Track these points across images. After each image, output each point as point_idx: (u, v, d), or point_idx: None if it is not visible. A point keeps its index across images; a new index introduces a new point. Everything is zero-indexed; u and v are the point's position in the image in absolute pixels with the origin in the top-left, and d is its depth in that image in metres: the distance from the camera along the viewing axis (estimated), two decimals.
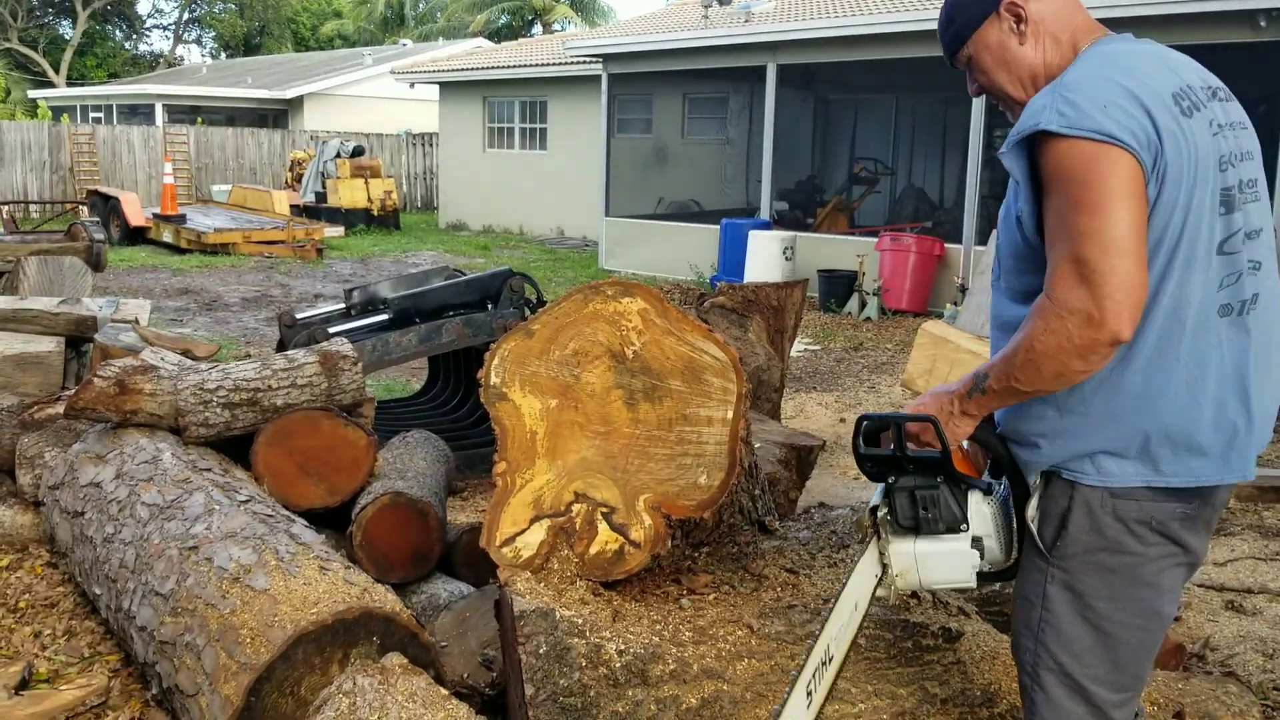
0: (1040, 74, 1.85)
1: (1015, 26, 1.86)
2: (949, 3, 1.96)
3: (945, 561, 1.91)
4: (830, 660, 1.94)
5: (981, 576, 1.93)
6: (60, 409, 3.93)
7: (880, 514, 1.95)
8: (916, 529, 1.90)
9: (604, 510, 2.32)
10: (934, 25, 2.03)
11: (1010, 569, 1.94)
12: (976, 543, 1.90)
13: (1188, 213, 1.68)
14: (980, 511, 1.91)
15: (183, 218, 16.33)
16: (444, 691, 2.16)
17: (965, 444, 1.92)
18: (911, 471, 1.91)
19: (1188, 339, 1.72)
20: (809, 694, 1.89)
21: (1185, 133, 1.67)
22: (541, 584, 2.22)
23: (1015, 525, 1.90)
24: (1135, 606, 1.80)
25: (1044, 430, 1.80)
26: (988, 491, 1.91)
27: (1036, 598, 1.85)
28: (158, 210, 16.79)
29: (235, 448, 3.53)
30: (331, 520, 3.43)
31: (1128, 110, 1.65)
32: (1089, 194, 1.62)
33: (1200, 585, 4.03)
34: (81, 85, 36.66)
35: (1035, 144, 1.70)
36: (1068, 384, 1.71)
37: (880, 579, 1.97)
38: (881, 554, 1.96)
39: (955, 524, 1.89)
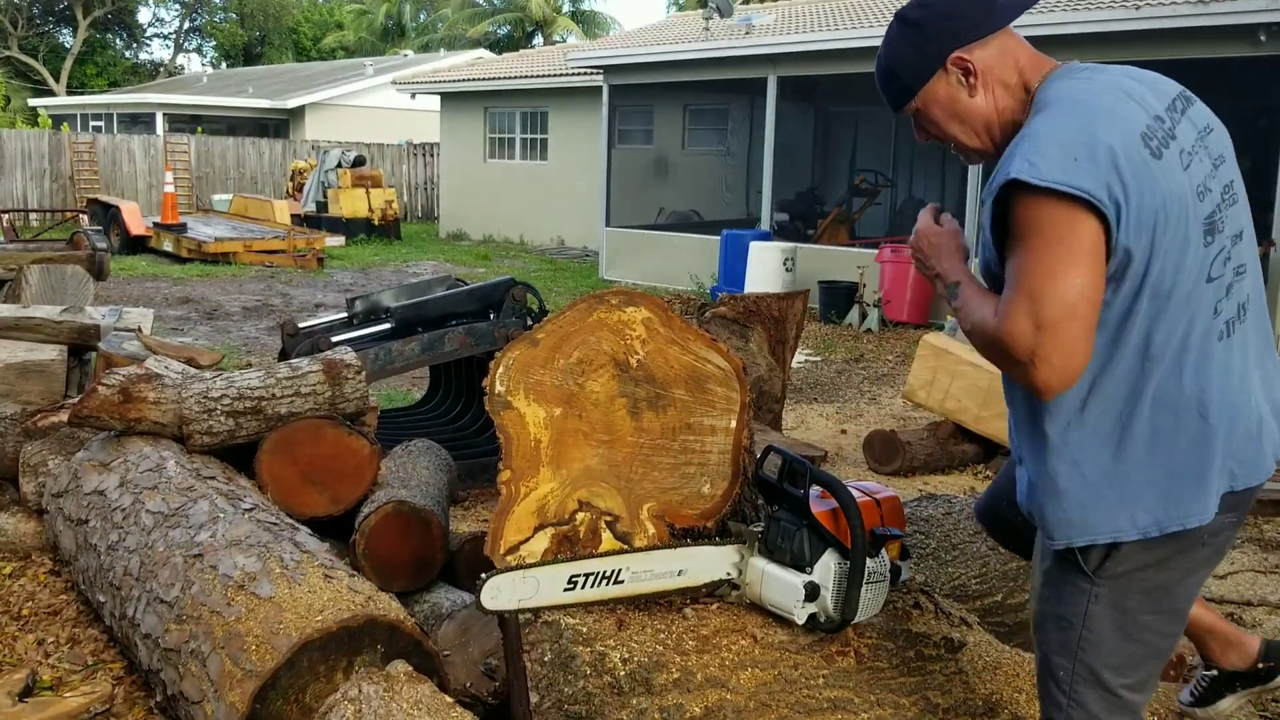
0: (994, 122, 1.84)
1: (964, 80, 1.83)
2: (886, 58, 1.90)
3: (779, 587, 2.23)
4: (617, 582, 2.17)
5: (812, 619, 2.23)
6: (63, 417, 3.94)
7: (756, 530, 2.31)
8: (771, 553, 2.25)
9: (608, 519, 2.33)
10: None
11: (837, 627, 2.22)
12: (814, 588, 2.19)
13: (1164, 257, 1.65)
14: (827, 566, 2.20)
15: (183, 227, 16.35)
16: (448, 699, 2.17)
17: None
18: (787, 507, 2.26)
19: (1190, 373, 1.71)
20: (572, 581, 2.13)
21: (1156, 178, 1.64)
22: None
23: (849, 594, 2.20)
24: (1175, 615, 1.83)
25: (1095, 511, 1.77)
26: (844, 555, 2.20)
27: (1077, 618, 1.81)
28: (158, 219, 16.80)
29: (239, 456, 3.54)
30: (334, 529, 3.43)
31: (1095, 162, 1.61)
32: (1054, 251, 1.61)
33: (1201, 598, 4.03)
34: (82, 94, 36.73)
35: (1006, 193, 1.67)
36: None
37: (730, 580, 2.31)
38: (741, 558, 2.30)
39: (800, 563, 2.21)
